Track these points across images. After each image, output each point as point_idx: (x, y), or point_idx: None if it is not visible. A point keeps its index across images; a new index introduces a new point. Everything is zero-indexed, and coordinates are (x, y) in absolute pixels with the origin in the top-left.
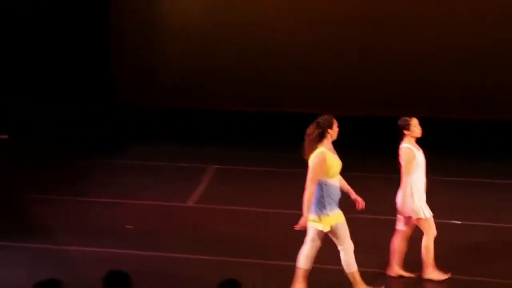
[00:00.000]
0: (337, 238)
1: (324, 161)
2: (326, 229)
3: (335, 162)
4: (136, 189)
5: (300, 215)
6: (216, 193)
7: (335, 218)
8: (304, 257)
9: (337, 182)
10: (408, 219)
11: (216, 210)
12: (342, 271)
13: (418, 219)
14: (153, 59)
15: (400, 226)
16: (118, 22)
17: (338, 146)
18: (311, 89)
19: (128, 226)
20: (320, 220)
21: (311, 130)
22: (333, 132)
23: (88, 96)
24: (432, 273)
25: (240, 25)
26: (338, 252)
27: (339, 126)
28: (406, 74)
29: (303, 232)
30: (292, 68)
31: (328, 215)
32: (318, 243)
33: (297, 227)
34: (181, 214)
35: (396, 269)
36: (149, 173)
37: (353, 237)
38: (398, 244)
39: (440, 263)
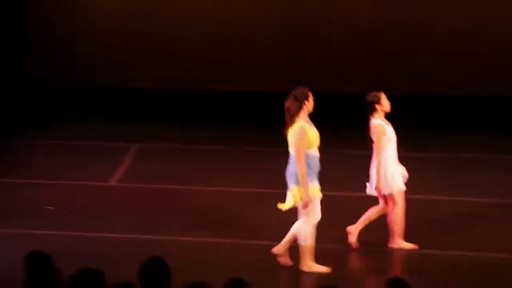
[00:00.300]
0: (302, 212)
1: (305, 134)
2: (296, 200)
3: (314, 134)
4: (57, 170)
5: (212, 191)
6: (138, 172)
7: (311, 191)
8: (304, 235)
9: (316, 153)
10: (385, 196)
11: (139, 188)
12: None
13: (390, 193)
14: (74, 36)
15: (382, 202)
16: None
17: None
18: (232, 66)
19: (48, 207)
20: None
21: (290, 103)
22: (309, 104)
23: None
24: (402, 243)
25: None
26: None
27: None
28: (358, 50)
29: (220, 208)
30: (215, 44)
31: (311, 185)
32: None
33: (303, 204)
34: (103, 194)
35: (397, 241)
36: (70, 153)
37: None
38: (371, 213)
39: (409, 237)
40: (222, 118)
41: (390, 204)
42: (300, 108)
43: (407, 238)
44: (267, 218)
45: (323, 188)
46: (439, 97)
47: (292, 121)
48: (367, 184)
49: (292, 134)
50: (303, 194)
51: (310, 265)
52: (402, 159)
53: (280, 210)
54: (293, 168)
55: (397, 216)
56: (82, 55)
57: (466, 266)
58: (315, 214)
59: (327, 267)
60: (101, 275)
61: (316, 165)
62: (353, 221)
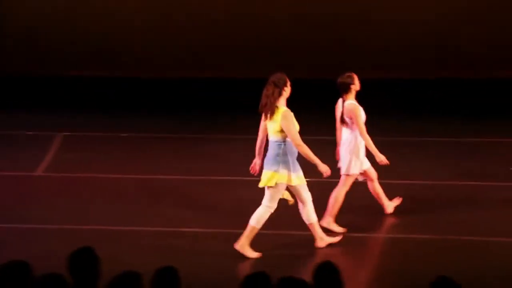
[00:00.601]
0: (270, 195)
1: (292, 117)
2: (271, 183)
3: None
4: None
5: (138, 179)
6: (65, 161)
7: (297, 179)
8: (304, 213)
9: None
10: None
11: (65, 178)
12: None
13: (348, 174)
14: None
15: (362, 178)
16: None
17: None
18: (169, 53)
19: None
20: (281, 175)
21: (271, 90)
22: (288, 90)
23: None
24: (332, 224)
25: None
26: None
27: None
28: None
29: (152, 199)
30: (144, 30)
31: (278, 171)
32: (276, 201)
33: (327, 173)
34: (29, 184)
35: (328, 220)
36: None
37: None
38: (374, 190)
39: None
40: (151, 105)
41: (342, 183)
42: (280, 94)
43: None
44: (195, 206)
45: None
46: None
47: (273, 108)
48: (340, 164)
49: (277, 120)
50: (318, 166)
51: (244, 246)
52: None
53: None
54: (271, 153)
55: (341, 197)
56: (6, 44)
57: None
58: (276, 201)
59: (258, 253)
60: (28, 268)
61: (295, 152)
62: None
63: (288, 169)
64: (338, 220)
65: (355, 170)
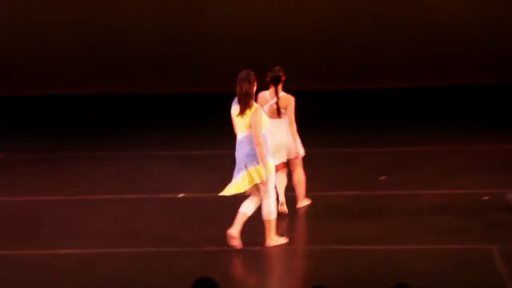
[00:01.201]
0: (267, 187)
1: (262, 114)
2: (266, 176)
3: (264, 114)
4: None
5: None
6: None
7: (271, 166)
8: (272, 209)
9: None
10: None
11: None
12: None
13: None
14: None
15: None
16: None
17: None
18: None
19: None
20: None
21: (247, 87)
22: (255, 87)
23: None
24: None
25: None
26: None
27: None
28: None
29: (85, 221)
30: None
31: (259, 165)
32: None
33: (266, 181)
34: None
35: (302, 201)
36: None
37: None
38: (298, 179)
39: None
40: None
41: (298, 166)
42: (253, 90)
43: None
44: (84, 227)
45: None
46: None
47: (250, 104)
48: (292, 151)
49: (250, 115)
50: (266, 171)
51: (276, 239)
52: None
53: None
54: (249, 148)
55: (303, 177)
56: None
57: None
58: (273, 188)
59: (285, 238)
60: None
61: (267, 143)
62: None
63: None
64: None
65: (303, 151)
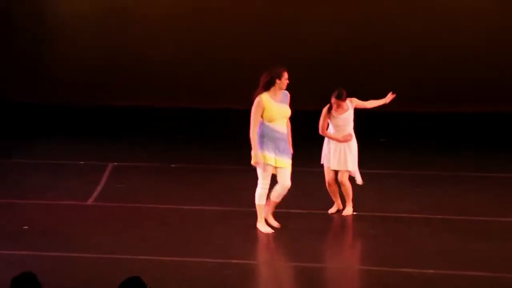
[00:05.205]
0: (259, 174)
1: (260, 104)
2: (253, 161)
3: (277, 109)
4: (33, 189)
5: (191, 210)
6: (114, 191)
7: (264, 158)
8: (273, 190)
9: (276, 127)
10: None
11: (115, 208)
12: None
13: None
14: (43, 53)
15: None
16: None
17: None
18: (205, 84)
19: (24, 227)
20: (263, 156)
21: (263, 77)
22: (281, 83)
23: None
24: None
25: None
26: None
27: (289, 78)
28: None
29: (203, 230)
30: (185, 61)
31: (263, 152)
32: (267, 178)
33: (253, 163)
34: (80, 213)
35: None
36: (47, 172)
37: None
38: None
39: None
40: (201, 135)
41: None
42: (271, 83)
43: None
44: (235, 237)
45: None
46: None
47: (259, 93)
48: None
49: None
50: (254, 156)
51: (259, 224)
52: None
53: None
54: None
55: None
56: (55, 74)
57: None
58: (266, 178)
59: (271, 229)
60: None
61: (274, 137)
62: None
63: (272, 151)
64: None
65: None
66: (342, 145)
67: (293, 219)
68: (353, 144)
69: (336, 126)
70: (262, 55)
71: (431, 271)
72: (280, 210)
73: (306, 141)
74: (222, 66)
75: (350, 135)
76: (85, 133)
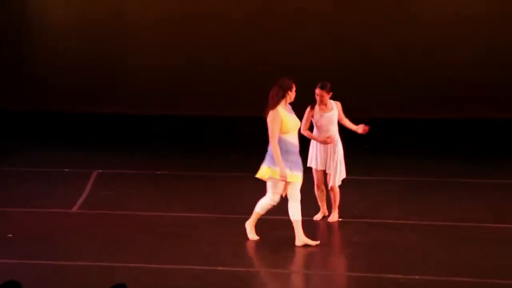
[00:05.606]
0: (269, 188)
1: (279, 117)
2: (264, 177)
3: (292, 121)
4: (18, 197)
5: (178, 217)
6: (100, 198)
7: (274, 173)
8: (260, 205)
9: (292, 138)
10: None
11: (100, 215)
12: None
13: None
14: (27, 60)
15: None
16: None
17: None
18: (192, 91)
19: (8, 235)
20: (274, 171)
21: (276, 91)
22: (291, 94)
23: None
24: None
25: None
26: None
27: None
28: None
29: (183, 236)
30: (171, 68)
31: (270, 167)
32: (278, 194)
33: (280, 178)
34: (65, 221)
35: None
36: (32, 180)
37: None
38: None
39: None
40: (184, 143)
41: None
42: (282, 96)
43: None
44: (222, 245)
45: None
46: None
47: (272, 107)
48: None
49: (269, 116)
50: (280, 171)
51: (248, 228)
52: None
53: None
54: (268, 149)
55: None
56: (32, 80)
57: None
58: (277, 192)
59: (257, 237)
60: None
61: (288, 150)
62: None
63: (287, 166)
64: None
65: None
66: (328, 147)
67: (280, 226)
68: (339, 148)
69: (319, 127)
70: (251, 61)
71: (417, 277)
72: (266, 217)
73: None
74: (208, 73)
75: (331, 137)
76: (69, 140)
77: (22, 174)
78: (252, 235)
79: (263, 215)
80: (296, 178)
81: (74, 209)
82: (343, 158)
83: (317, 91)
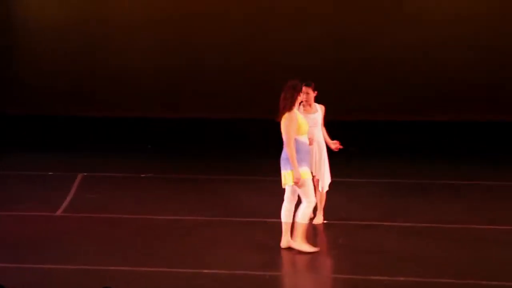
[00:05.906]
0: (302, 191)
1: (294, 120)
2: (290, 182)
3: (304, 122)
4: (3, 200)
5: (155, 220)
6: (84, 202)
7: (303, 174)
8: (286, 212)
9: (305, 138)
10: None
11: (85, 218)
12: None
13: None
14: (13, 62)
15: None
16: None
17: None
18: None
19: None
20: (288, 174)
21: (290, 93)
22: (301, 95)
23: None
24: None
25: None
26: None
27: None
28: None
29: (176, 240)
30: (159, 70)
31: (287, 170)
32: (294, 197)
33: (296, 183)
34: (49, 224)
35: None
36: (15, 183)
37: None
38: None
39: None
40: (168, 146)
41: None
42: (296, 98)
43: None
44: (207, 247)
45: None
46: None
47: (287, 109)
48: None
49: (284, 119)
50: (294, 173)
51: (301, 244)
52: None
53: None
54: (285, 153)
55: None
56: (24, 84)
57: None
58: (312, 194)
59: (316, 248)
60: None
61: (303, 150)
62: None
63: (305, 164)
64: None
65: None
66: (314, 151)
67: (264, 229)
68: (325, 152)
69: None
70: (251, 61)
71: (402, 278)
72: (250, 219)
73: (275, 148)
74: (208, 73)
75: (311, 139)
76: (53, 143)
77: (5, 178)
78: (310, 248)
79: (308, 223)
80: (307, 174)
81: (59, 212)
82: (328, 162)
83: (304, 88)
